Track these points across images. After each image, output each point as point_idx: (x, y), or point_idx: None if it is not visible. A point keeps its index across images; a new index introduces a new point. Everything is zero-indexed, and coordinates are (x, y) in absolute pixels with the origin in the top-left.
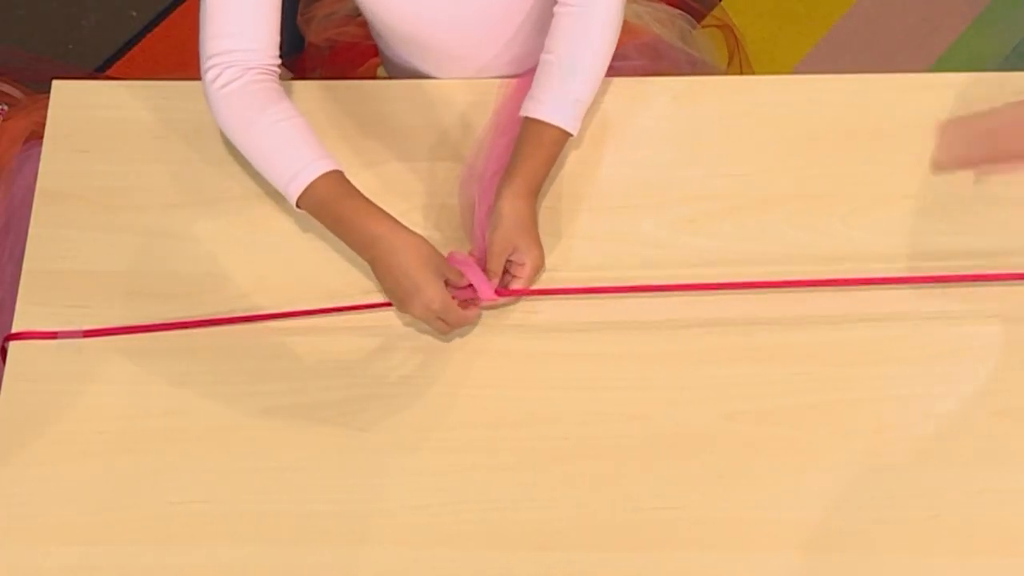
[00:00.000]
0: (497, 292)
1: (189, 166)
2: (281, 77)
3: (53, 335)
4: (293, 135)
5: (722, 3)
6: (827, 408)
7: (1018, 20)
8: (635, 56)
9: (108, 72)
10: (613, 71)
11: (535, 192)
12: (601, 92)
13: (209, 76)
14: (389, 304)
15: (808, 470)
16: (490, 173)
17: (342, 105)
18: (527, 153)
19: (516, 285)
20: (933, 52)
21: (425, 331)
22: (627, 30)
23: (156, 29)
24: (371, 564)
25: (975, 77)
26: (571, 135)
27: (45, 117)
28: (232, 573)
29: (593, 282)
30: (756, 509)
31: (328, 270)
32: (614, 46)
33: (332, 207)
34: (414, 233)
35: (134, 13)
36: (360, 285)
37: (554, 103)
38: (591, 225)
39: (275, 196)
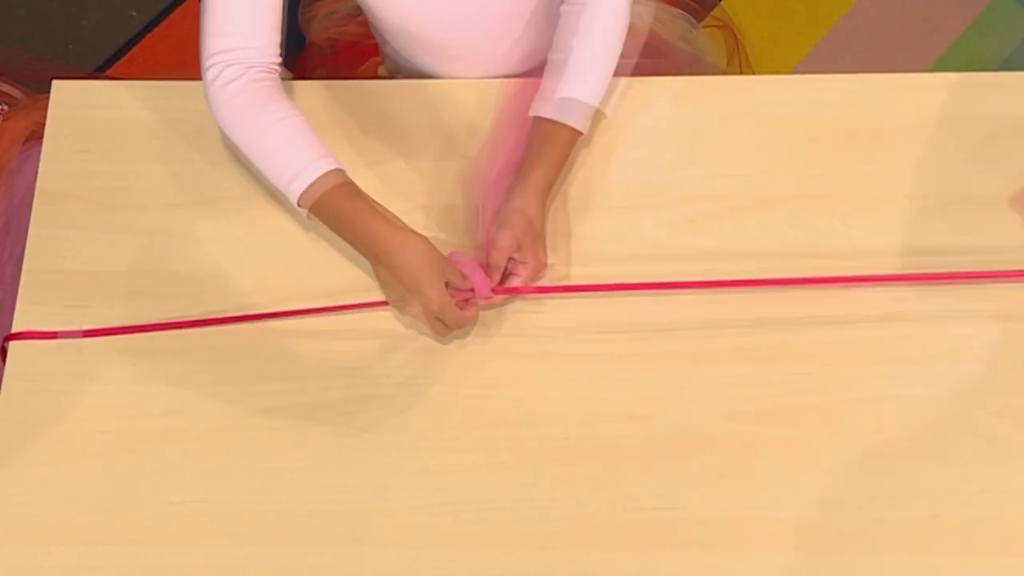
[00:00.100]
0: (494, 289)
1: (189, 166)
2: (281, 77)
3: (53, 335)
4: (294, 134)
5: (722, 3)
6: (827, 408)
7: (1018, 20)
8: (635, 56)
9: (108, 72)
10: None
11: (546, 193)
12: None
13: (210, 75)
14: (388, 303)
15: (808, 470)
16: (495, 174)
17: (344, 105)
18: (539, 153)
19: (514, 283)
20: (933, 52)
21: (425, 331)
22: (627, 30)
23: (156, 29)
24: (371, 564)
25: (975, 77)
26: (581, 134)
27: (45, 117)
28: (232, 573)
29: (593, 281)
30: (756, 509)
31: (328, 270)
32: (622, 44)
33: (334, 206)
34: (416, 233)
35: (134, 13)
36: (360, 285)
37: (564, 103)
38: (591, 225)
39: (275, 196)
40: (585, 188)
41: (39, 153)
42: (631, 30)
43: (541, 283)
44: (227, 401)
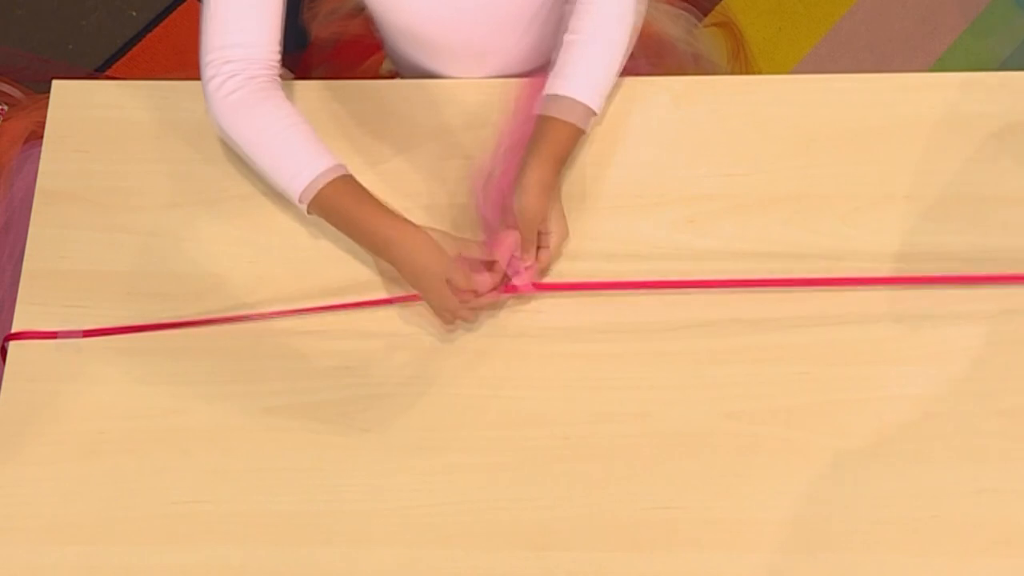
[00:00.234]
0: (536, 285)
1: (189, 166)
2: (283, 77)
3: (53, 335)
4: (295, 134)
5: (723, 2)
6: (827, 408)
7: (1016, 22)
8: (639, 52)
9: (108, 72)
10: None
11: (561, 166)
12: None
13: (212, 85)
14: (390, 301)
15: (808, 470)
16: (499, 173)
17: (345, 105)
18: (552, 128)
19: (543, 256)
20: (933, 52)
21: (425, 332)
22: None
23: (156, 29)
24: (371, 564)
25: (975, 77)
26: (595, 113)
27: (45, 117)
28: (232, 573)
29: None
30: (756, 509)
31: (328, 270)
32: (638, 28)
33: (336, 203)
34: (422, 230)
35: (134, 13)
36: (360, 284)
37: (579, 79)
38: (591, 225)
39: (275, 196)
40: (585, 188)
41: (39, 153)
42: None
43: (543, 281)
44: (227, 401)
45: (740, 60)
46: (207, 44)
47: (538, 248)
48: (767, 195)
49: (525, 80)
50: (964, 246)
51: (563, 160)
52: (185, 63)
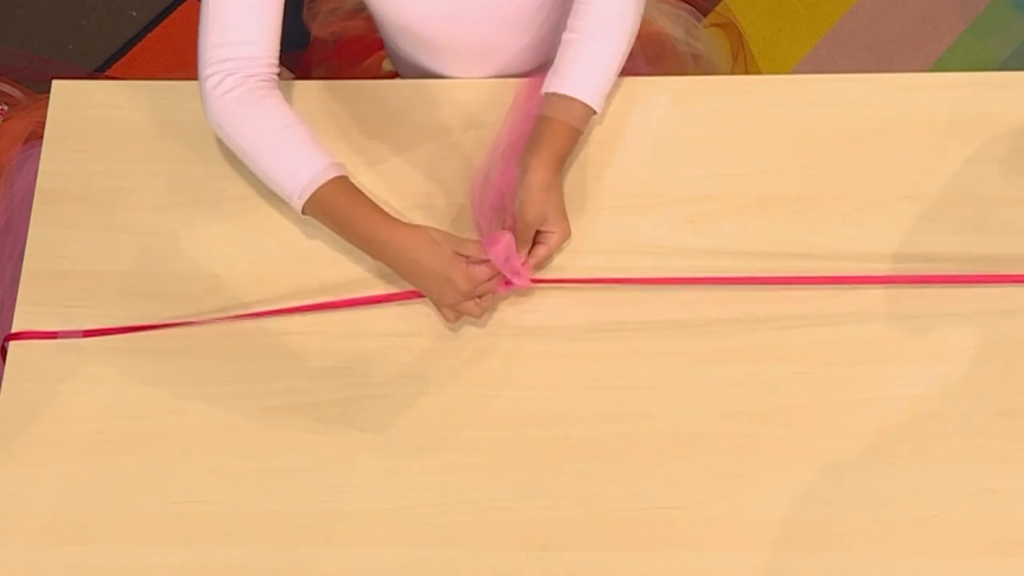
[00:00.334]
0: (533, 280)
1: (189, 166)
2: (282, 76)
3: (53, 335)
4: (295, 140)
5: (723, 2)
6: (827, 408)
7: (1014, 23)
8: (638, 52)
9: (108, 72)
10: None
11: (561, 164)
12: None
13: (210, 83)
14: (389, 299)
15: (808, 470)
16: (498, 174)
17: (345, 105)
18: (553, 127)
19: (540, 253)
20: (933, 52)
21: (425, 332)
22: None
23: (156, 29)
24: (371, 564)
25: (975, 77)
26: (595, 112)
27: (45, 117)
28: (232, 573)
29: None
30: (756, 509)
31: (328, 269)
32: (637, 26)
33: (337, 216)
34: (417, 229)
35: (134, 13)
36: (360, 284)
37: (579, 78)
38: (591, 225)
39: (274, 196)
40: (585, 188)
41: (39, 153)
42: None
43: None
44: (227, 401)
45: (740, 60)
46: (205, 42)
47: (536, 243)
48: (767, 195)
49: (525, 80)
50: (964, 246)
51: (564, 159)
52: (185, 63)
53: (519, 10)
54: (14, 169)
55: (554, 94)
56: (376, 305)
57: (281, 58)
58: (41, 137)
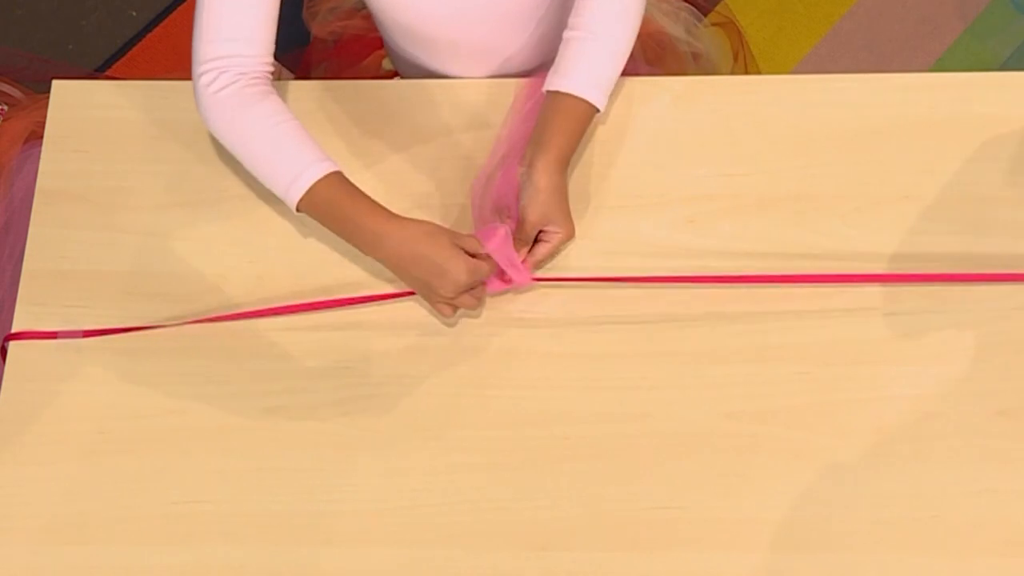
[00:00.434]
0: (534, 278)
1: (188, 166)
2: (282, 76)
3: (53, 335)
4: (289, 138)
5: (723, 1)
6: (827, 408)
7: (1014, 24)
8: (638, 51)
9: (108, 72)
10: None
11: (567, 164)
12: None
13: (203, 81)
14: (389, 297)
15: (808, 470)
16: (499, 174)
17: (345, 105)
18: (557, 126)
19: (541, 250)
20: (933, 52)
21: (425, 331)
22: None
23: (156, 29)
24: (371, 564)
25: (975, 77)
26: (599, 110)
27: (45, 117)
28: (232, 573)
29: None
30: (756, 509)
31: (328, 269)
32: (639, 24)
33: (335, 211)
34: (416, 221)
35: (134, 13)
36: (360, 284)
37: (582, 76)
38: (591, 225)
39: (273, 196)
40: (585, 188)
41: (39, 153)
42: None
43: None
44: (227, 401)
45: (740, 60)
46: (199, 40)
47: (538, 241)
48: (767, 195)
49: (525, 80)
50: (964, 246)
51: (569, 159)
52: (185, 63)
53: (519, 8)
54: (14, 169)
55: (556, 92)
56: (376, 305)
57: (281, 57)
58: (41, 137)
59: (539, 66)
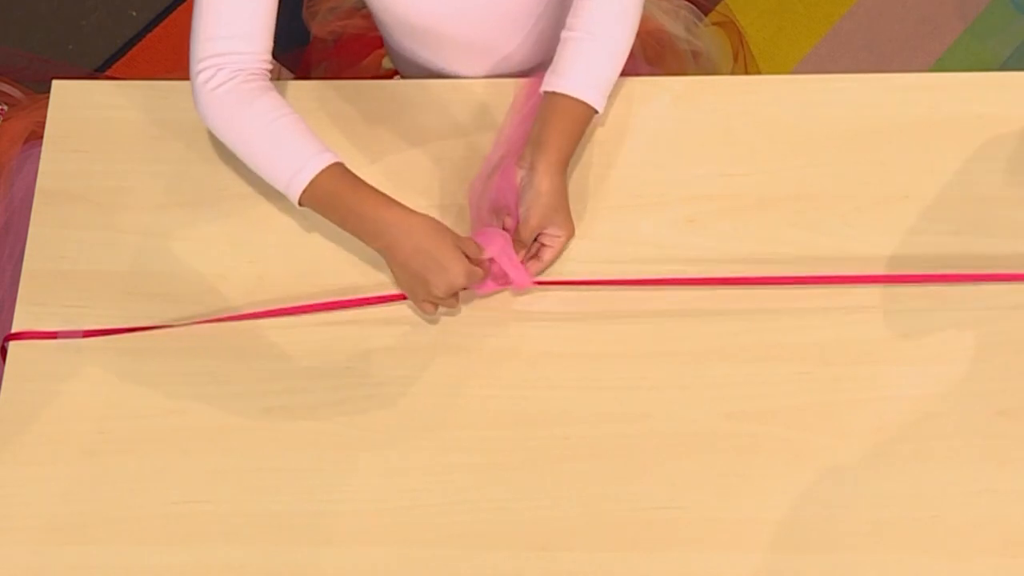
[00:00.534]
0: (536, 281)
1: (188, 166)
2: (282, 76)
3: (53, 335)
4: (290, 131)
5: (723, 1)
6: (827, 408)
7: (1014, 24)
8: (638, 50)
9: (108, 72)
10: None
11: (566, 166)
12: None
13: (201, 78)
14: (390, 299)
15: (808, 470)
16: (498, 175)
17: (343, 105)
18: (556, 127)
19: (547, 254)
20: (933, 52)
21: (425, 331)
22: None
23: (156, 29)
24: (371, 564)
25: (975, 77)
26: (597, 112)
27: (45, 117)
28: (232, 573)
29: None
30: (756, 509)
31: (328, 269)
32: (637, 24)
33: (338, 201)
34: (422, 215)
35: (134, 13)
36: (360, 284)
37: (580, 77)
38: (591, 225)
39: (274, 195)
40: (585, 188)
41: (39, 153)
42: None
43: (544, 278)
44: (227, 401)
45: (740, 59)
46: (197, 36)
47: (543, 246)
48: (767, 195)
49: (525, 80)
50: (964, 246)
51: (568, 161)
52: (185, 63)
53: (521, 6)
54: (14, 169)
55: (554, 93)
56: (376, 305)
57: (280, 57)
58: (41, 137)
59: (540, 63)
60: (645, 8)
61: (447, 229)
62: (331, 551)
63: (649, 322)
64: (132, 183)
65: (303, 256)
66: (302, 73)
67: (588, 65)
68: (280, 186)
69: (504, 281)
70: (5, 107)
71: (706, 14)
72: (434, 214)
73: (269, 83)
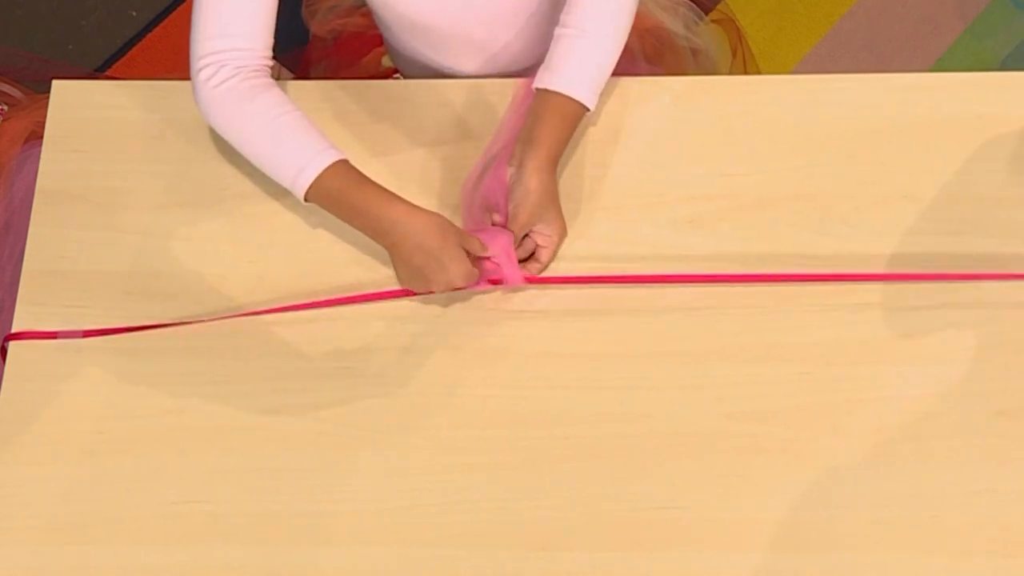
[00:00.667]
0: (528, 279)
1: (188, 166)
2: (281, 76)
3: (53, 335)
4: (294, 129)
5: (723, 1)
6: (827, 408)
7: (1015, 23)
8: (637, 48)
9: (108, 72)
10: (618, 68)
11: (556, 164)
12: (602, 91)
13: (203, 75)
14: (389, 296)
15: (808, 470)
16: (491, 173)
17: (342, 105)
18: (546, 125)
19: (543, 255)
20: (933, 52)
21: (426, 331)
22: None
23: (156, 29)
24: (371, 564)
25: (975, 77)
26: (588, 110)
27: (45, 117)
28: (232, 573)
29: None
30: (756, 509)
31: (329, 269)
32: (631, 21)
33: (343, 197)
34: (428, 212)
35: (134, 13)
36: (361, 284)
37: (572, 74)
38: (591, 225)
39: (274, 195)
40: (585, 188)
41: (39, 153)
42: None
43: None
44: (227, 401)
45: (739, 56)
46: (198, 34)
47: (538, 246)
48: (767, 195)
49: (522, 80)
50: (964, 246)
51: (558, 158)
52: (185, 63)
53: (519, 4)
54: (14, 169)
55: (546, 91)
56: (376, 304)
57: (280, 56)
58: (41, 137)
59: (539, 58)
60: (644, 5)
61: (451, 227)
62: (331, 551)
63: (649, 322)
64: (132, 183)
65: (303, 256)
66: (302, 72)
67: (581, 63)
68: (285, 183)
69: (495, 279)
70: (5, 107)
71: (706, 13)
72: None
73: (271, 80)
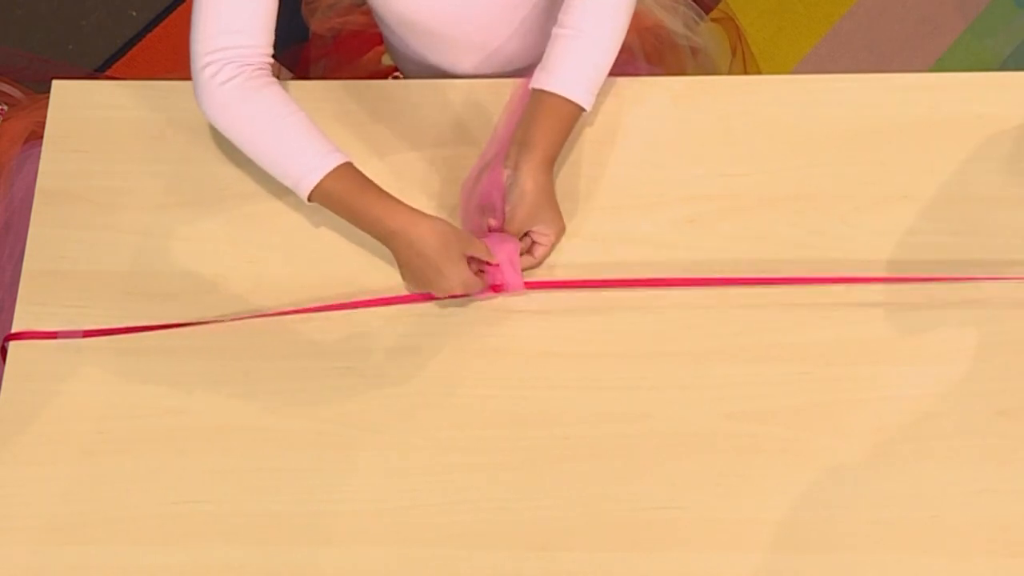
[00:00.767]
0: (527, 284)
1: (188, 166)
2: (281, 75)
3: (53, 335)
4: (299, 127)
5: (723, 1)
6: (827, 408)
7: (1016, 22)
8: (637, 47)
9: (108, 72)
10: (617, 67)
11: (552, 164)
12: (602, 91)
13: (207, 73)
14: (390, 302)
15: (808, 470)
16: (488, 173)
17: (341, 105)
18: (543, 126)
19: (539, 253)
20: (933, 52)
21: (426, 332)
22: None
23: (156, 29)
24: (372, 564)
25: (975, 77)
26: (585, 111)
27: (45, 117)
28: (232, 573)
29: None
30: (756, 509)
31: (329, 269)
32: (629, 21)
33: (345, 202)
34: (431, 218)
35: (134, 13)
36: (361, 284)
37: (568, 75)
38: (591, 225)
39: (274, 195)
40: (585, 188)
41: (39, 153)
42: (635, 14)
43: (543, 279)
44: (227, 401)
45: (739, 55)
46: (199, 33)
47: (534, 244)
48: (767, 195)
49: (520, 80)
50: (963, 246)
51: (554, 159)
52: (185, 63)
53: (518, 3)
54: (14, 169)
55: (542, 91)
56: (376, 307)
57: (280, 55)
58: (41, 137)
59: (538, 59)
60: (644, 3)
61: (454, 234)
62: (331, 551)
63: (649, 322)
64: (132, 183)
65: (303, 256)
66: (301, 69)
67: (577, 63)
68: (288, 183)
69: (496, 287)
70: (5, 107)
71: (706, 12)
72: (433, 213)
73: (273, 78)
